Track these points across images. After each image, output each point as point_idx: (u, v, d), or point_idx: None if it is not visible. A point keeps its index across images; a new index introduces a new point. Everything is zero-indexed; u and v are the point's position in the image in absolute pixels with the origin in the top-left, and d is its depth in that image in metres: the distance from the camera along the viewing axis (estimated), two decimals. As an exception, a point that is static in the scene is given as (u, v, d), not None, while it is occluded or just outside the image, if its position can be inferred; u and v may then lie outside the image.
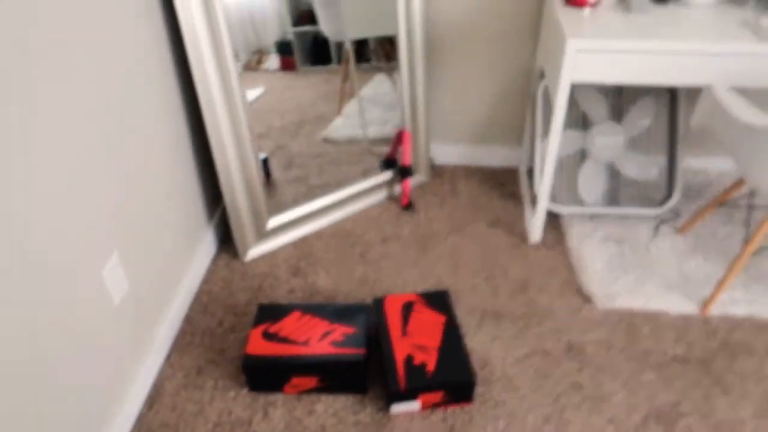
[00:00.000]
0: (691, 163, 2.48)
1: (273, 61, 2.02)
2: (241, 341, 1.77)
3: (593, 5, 1.83)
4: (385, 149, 2.33)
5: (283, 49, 2.02)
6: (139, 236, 1.56)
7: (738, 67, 1.65)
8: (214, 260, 2.07)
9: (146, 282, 1.61)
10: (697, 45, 1.62)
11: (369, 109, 2.29)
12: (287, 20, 1.99)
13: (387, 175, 2.34)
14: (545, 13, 2.05)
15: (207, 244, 2.02)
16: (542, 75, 2.17)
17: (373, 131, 2.31)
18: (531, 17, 2.17)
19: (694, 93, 2.26)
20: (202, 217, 2.00)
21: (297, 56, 2.07)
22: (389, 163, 2.33)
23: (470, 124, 2.46)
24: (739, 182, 1.88)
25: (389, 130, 2.31)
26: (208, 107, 1.75)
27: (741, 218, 2.18)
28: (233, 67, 1.77)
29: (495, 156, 2.52)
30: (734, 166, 2.45)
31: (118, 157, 1.44)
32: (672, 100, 2.15)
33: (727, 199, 2.04)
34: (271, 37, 1.98)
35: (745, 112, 1.54)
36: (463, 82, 2.35)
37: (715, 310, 1.83)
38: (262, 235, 2.08)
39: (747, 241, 1.71)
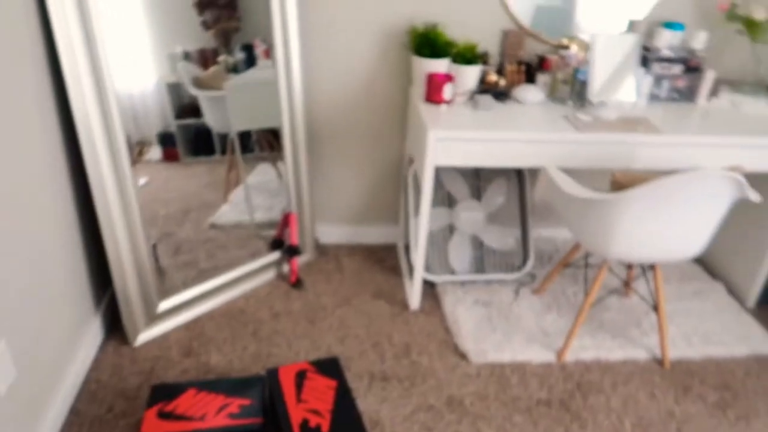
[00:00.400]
0: (541, 232, 2.87)
1: (155, 152, 2.08)
2: (134, 425, 1.76)
3: (448, 103, 2.17)
4: (272, 232, 2.48)
5: (166, 140, 2.10)
6: (25, 323, 1.56)
7: (563, 151, 2.04)
8: (103, 346, 2.05)
9: (33, 370, 1.59)
10: (530, 135, 1.99)
11: (255, 195, 2.45)
12: (170, 112, 2.10)
13: (275, 255, 2.47)
14: (410, 108, 2.38)
15: (95, 331, 2.01)
16: (411, 161, 2.48)
17: (260, 216, 2.46)
18: (399, 112, 2.49)
19: (536, 173, 2.67)
20: (90, 303, 2.00)
21: (180, 147, 2.16)
22: (277, 243, 2.48)
23: (351, 206, 2.70)
24: (576, 246, 2.24)
25: (275, 215, 2.47)
26: (100, 192, 1.82)
27: (581, 276, 2.56)
28: (125, 153, 1.86)
29: (375, 234, 2.76)
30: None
31: (2, 243, 1.47)
32: (520, 180, 2.53)
33: (569, 261, 2.40)
34: (153, 129, 2.06)
35: (570, 187, 1.90)
36: (344, 168, 2.60)
37: (570, 356, 2.12)
38: (153, 318, 2.10)
39: (586, 294, 2.03)
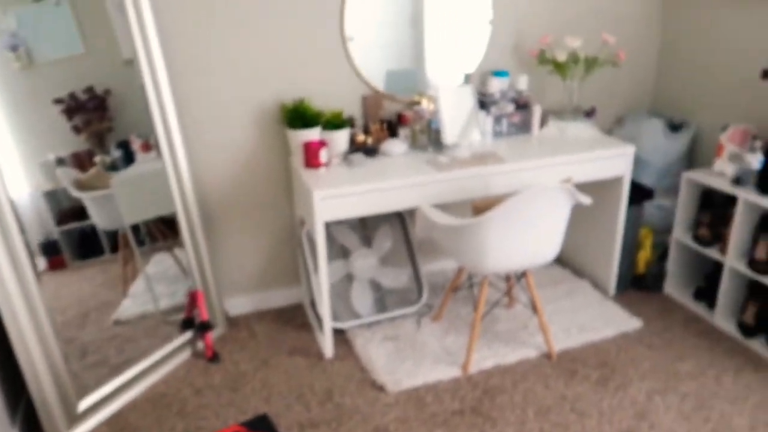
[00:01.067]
0: (431, 267, 3.17)
1: (39, 263, 2.04)
2: None
3: (326, 165, 2.43)
4: (179, 317, 2.56)
5: (49, 249, 2.09)
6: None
7: (431, 190, 2.35)
8: (23, 461, 2.01)
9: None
10: (400, 181, 2.29)
11: (155, 284, 2.52)
12: (50, 220, 2.10)
13: (188, 335, 2.55)
14: (294, 175, 2.62)
15: (13, 446, 1.98)
16: (302, 222, 2.69)
17: (164, 303, 2.53)
18: (284, 180, 2.72)
19: (414, 214, 2.99)
20: (5, 416, 1.98)
21: (66, 253, 2.15)
22: (188, 323, 2.56)
23: (254, 274, 2.84)
24: (460, 271, 2.54)
25: (179, 299, 2.56)
26: (5, 303, 1.85)
27: (470, 297, 2.87)
28: (26, 259, 1.91)
29: (280, 296, 2.92)
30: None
31: None
32: (402, 223, 2.83)
33: (457, 285, 2.70)
34: (33, 239, 2.04)
35: (442, 219, 2.21)
36: (241, 240, 2.76)
37: (473, 368, 2.38)
38: (74, 419, 2.10)
39: (475, 311, 2.32)
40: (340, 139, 2.50)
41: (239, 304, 2.86)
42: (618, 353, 2.47)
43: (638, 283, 2.94)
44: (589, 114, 2.87)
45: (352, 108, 2.71)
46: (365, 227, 2.77)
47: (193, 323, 2.57)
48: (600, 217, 2.86)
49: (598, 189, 2.83)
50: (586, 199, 2.14)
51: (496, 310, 2.76)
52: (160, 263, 2.53)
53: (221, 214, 2.69)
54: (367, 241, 2.75)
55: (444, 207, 3.02)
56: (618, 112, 3.18)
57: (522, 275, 2.44)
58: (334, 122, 2.50)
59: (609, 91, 3.11)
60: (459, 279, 2.56)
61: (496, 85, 2.73)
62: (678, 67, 3.02)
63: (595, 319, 2.68)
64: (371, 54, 2.67)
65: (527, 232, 2.13)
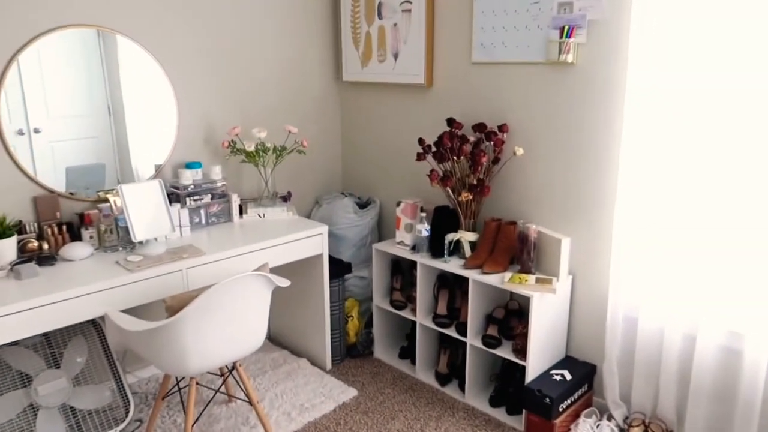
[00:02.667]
0: (143, 373, 2.89)
1: None
2: None
3: (-15, 282, 2.06)
4: None
5: None
6: None
7: (122, 294, 2.16)
8: None
9: None
10: (83, 288, 2.06)
11: None
12: None
13: None
14: (-58, 299, 2.15)
15: None
16: (-39, 353, 2.21)
17: None
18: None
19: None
20: None
21: None
22: None
23: None
24: (165, 376, 2.36)
25: None
26: None
27: (183, 401, 2.68)
28: None
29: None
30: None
31: None
32: (98, 331, 2.53)
33: (166, 392, 2.50)
34: None
35: (132, 325, 2.04)
36: None
37: (191, 480, 2.18)
38: None
39: (186, 416, 2.16)
40: (5, 248, 2.16)
41: None
42: (338, 427, 2.53)
43: (352, 352, 3.10)
44: (286, 198, 3.02)
45: (20, 212, 2.38)
46: (50, 344, 2.40)
47: None
48: (308, 295, 2.97)
49: (300, 268, 2.96)
50: (283, 282, 2.20)
51: (215, 409, 2.62)
52: None
53: None
54: (54, 359, 2.38)
55: (140, 309, 2.81)
56: (316, 194, 3.42)
57: (233, 367, 2.36)
58: (-5, 230, 2.16)
59: (304, 176, 3.33)
60: (166, 385, 2.37)
61: (188, 177, 2.70)
62: (356, 151, 3.40)
63: (316, 395, 2.73)
64: (56, 148, 2.41)
65: (228, 325, 2.08)
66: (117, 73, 2.56)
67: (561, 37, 2.33)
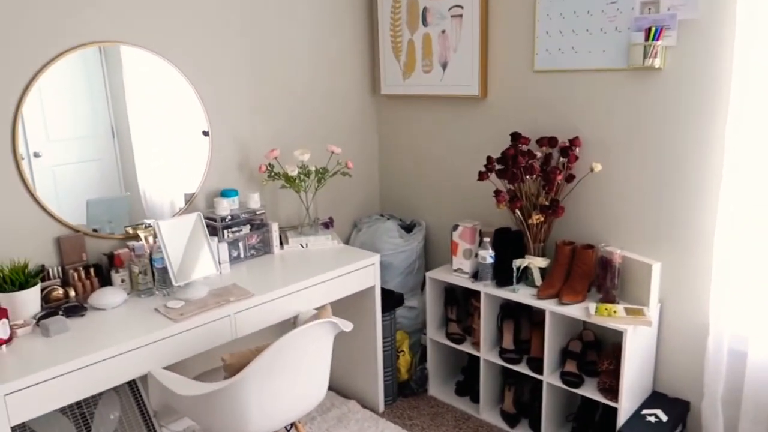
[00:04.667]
0: (175, 427, 2.59)
1: None
2: None
3: (8, 342, 1.77)
4: None
5: None
6: None
7: (165, 347, 1.88)
8: None
9: None
10: (122, 346, 1.77)
11: None
12: None
13: None
14: (-43, 361, 1.86)
15: None
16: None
17: None
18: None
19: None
20: None
21: None
22: None
23: None
24: (215, 435, 2.07)
25: None
26: None
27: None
28: None
29: None
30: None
31: None
32: (132, 386, 2.24)
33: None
34: None
35: (184, 387, 1.75)
36: None
37: None
38: None
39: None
40: (28, 300, 1.88)
41: None
42: (404, 481, 2.26)
43: (404, 390, 2.83)
44: (327, 225, 2.75)
45: (42, 256, 2.10)
46: (79, 404, 2.11)
47: None
48: (356, 330, 2.70)
49: (348, 301, 2.68)
50: (347, 326, 1.93)
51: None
52: None
53: None
54: (84, 421, 2.09)
55: (185, 363, 2.52)
56: (354, 218, 3.15)
57: (292, 425, 2.09)
58: (16, 280, 1.87)
59: (340, 199, 3.06)
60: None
61: (225, 207, 2.42)
62: (396, 171, 3.13)
63: (372, 445, 2.45)
64: (64, 179, 2.13)
65: (293, 381, 1.81)
66: (137, 92, 2.28)
67: (646, 39, 2.09)
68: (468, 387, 2.78)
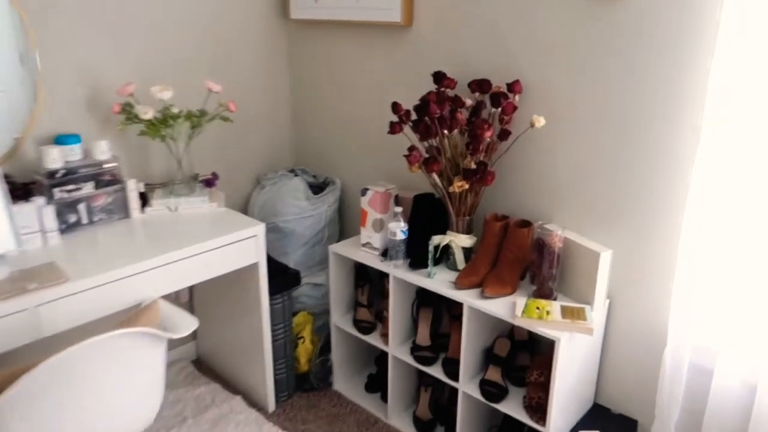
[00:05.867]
0: None
1: None
2: None
3: None
4: None
5: None
6: None
7: None
8: None
9: None
10: None
11: None
12: None
13: None
14: None
15: None
16: None
17: None
18: None
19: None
20: None
21: None
22: None
23: None
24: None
25: None
26: None
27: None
28: None
29: None
30: None
31: None
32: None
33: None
34: None
35: None
36: None
37: None
38: None
39: None
40: None
41: None
42: None
43: (303, 385, 2.35)
44: (210, 182, 2.19)
45: None
46: None
47: None
48: (241, 313, 2.19)
49: (231, 279, 2.17)
50: (183, 330, 1.42)
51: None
52: None
53: None
54: None
55: None
56: (257, 172, 2.59)
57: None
58: None
59: (238, 150, 2.49)
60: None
61: (57, 157, 1.84)
62: (312, 116, 2.56)
63: (249, 457, 1.99)
64: None
65: (86, 410, 1.30)
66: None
67: (612, -54, 1.51)
68: (381, 382, 2.31)
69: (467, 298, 1.79)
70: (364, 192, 2.05)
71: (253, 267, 2.04)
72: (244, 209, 2.53)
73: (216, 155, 2.42)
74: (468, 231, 1.93)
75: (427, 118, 1.76)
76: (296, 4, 2.39)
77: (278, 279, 2.14)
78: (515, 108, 1.78)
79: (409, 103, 1.95)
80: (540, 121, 1.74)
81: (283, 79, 2.58)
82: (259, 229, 1.99)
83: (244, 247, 1.96)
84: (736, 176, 1.47)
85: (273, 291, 2.12)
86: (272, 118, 2.58)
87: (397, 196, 2.09)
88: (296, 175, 2.50)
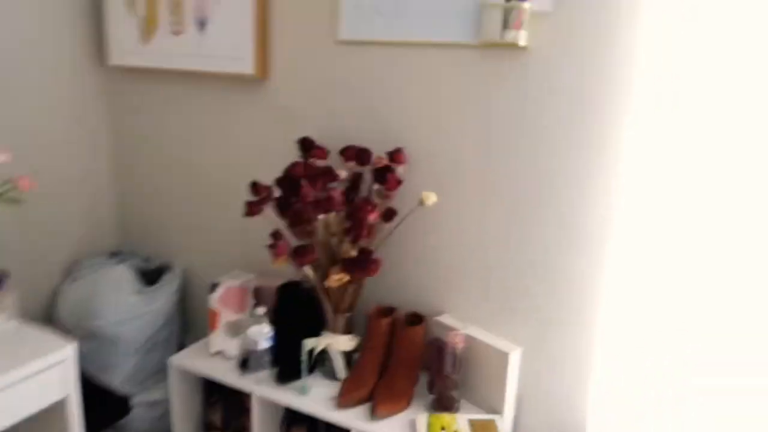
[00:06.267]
0: None
1: None
2: None
3: None
4: None
5: None
6: None
7: None
8: None
9: None
10: None
11: None
12: None
13: None
14: None
15: None
16: None
17: None
18: None
19: None
20: None
21: None
22: None
23: None
24: None
25: None
26: None
27: None
28: None
29: None
30: None
31: None
32: None
33: None
34: None
35: None
36: None
37: None
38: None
39: None
40: None
41: None
42: None
43: None
44: (-6, 284, 1.61)
45: None
46: None
47: None
48: None
49: (26, 427, 1.57)
50: None
51: None
52: None
53: None
54: None
55: None
56: (69, 259, 2.01)
57: None
58: None
59: (40, 231, 1.91)
60: None
61: None
62: (140, 185, 2.06)
63: None
64: None
65: None
66: None
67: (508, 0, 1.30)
68: None
69: (354, 420, 1.42)
70: (213, 287, 1.61)
71: (59, 405, 1.48)
72: (48, 314, 1.93)
73: (5, 244, 1.81)
74: (348, 330, 1.57)
75: (295, 199, 1.39)
76: (117, 46, 1.92)
77: (98, 410, 1.59)
78: (400, 182, 1.48)
79: (268, 169, 1.57)
80: (431, 198, 1.46)
81: (102, 139, 2.06)
82: (68, 351, 1.45)
83: (45, 380, 1.41)
84: (655, 250, 1.29)
85: (92, 428, 1.57)
86: (88, 187, 2.04)
87: (256, 289, 1.67)
88: (122, 261, 1.97)
